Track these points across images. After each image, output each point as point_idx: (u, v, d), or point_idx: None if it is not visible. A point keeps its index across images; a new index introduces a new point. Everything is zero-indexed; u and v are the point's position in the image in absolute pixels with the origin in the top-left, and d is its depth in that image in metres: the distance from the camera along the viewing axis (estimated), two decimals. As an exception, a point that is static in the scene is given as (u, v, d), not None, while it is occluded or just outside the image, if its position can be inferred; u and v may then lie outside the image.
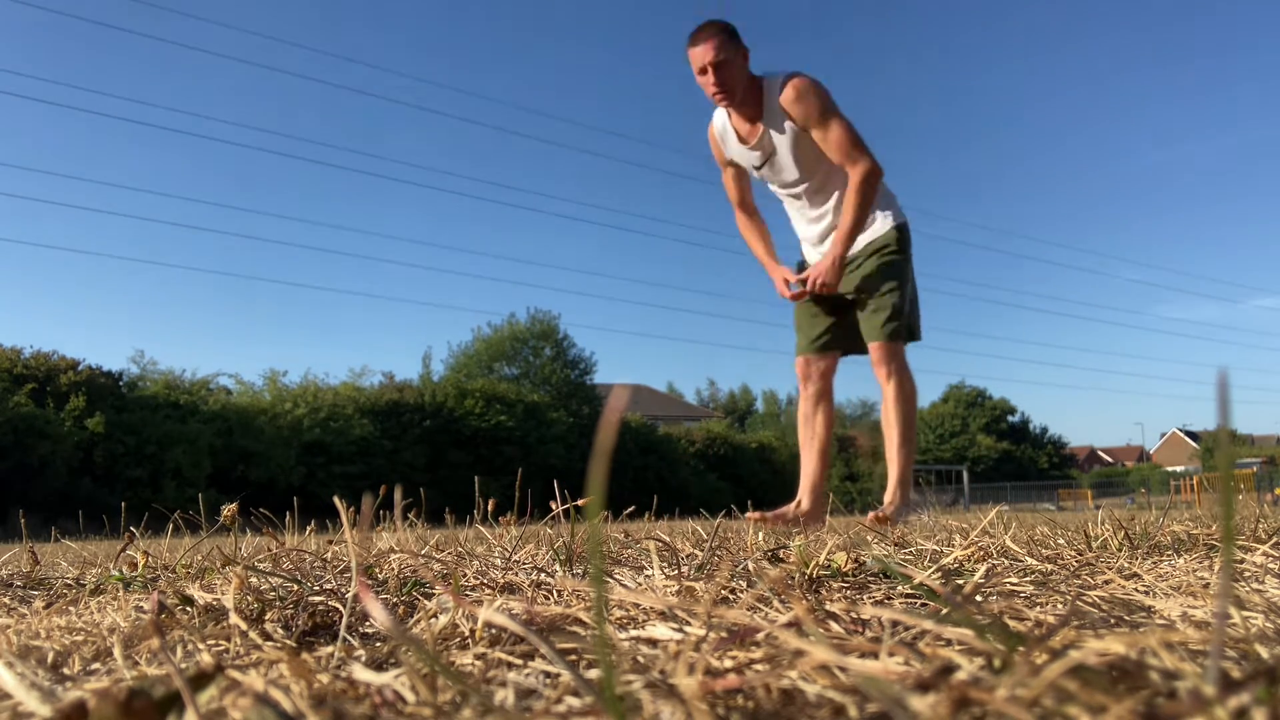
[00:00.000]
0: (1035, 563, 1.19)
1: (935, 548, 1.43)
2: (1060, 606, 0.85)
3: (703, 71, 3.38)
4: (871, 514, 3.29)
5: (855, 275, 3.57)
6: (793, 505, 3.52)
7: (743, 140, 3.56)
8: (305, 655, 0.68)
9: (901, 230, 3.58)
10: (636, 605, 0.84)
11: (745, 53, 3.40)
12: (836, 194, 3.55)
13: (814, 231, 3.65)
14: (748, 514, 3.29)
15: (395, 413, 28.39)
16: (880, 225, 3.57)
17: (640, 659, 0.62)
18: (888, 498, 3.49)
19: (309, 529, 2.30)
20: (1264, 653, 0.60)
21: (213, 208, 67.34)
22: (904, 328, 3.55)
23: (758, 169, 3.59)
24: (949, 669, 0.49)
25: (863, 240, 3.56)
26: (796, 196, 3.62)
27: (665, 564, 1.18)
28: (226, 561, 1.39)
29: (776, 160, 3.50)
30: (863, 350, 3.65)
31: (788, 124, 3.40)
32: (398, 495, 1.73)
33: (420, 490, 2.75)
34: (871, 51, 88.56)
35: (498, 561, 1.30)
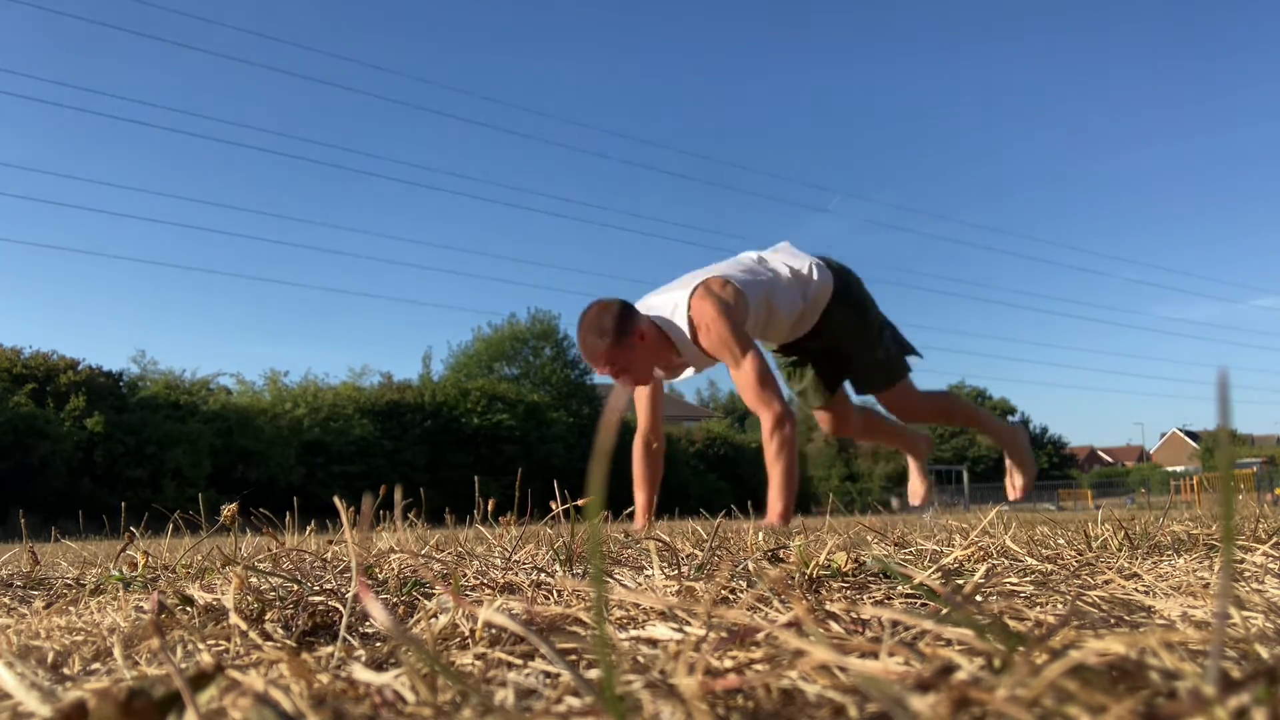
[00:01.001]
0: (1035, 563, 1.19)
1: (935, 548, 1.43)
2: (1060, 606, 0.85)
3: (602, 374, 3.25)
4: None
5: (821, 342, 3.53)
6: (765, 520, 3.54)
7: (663, 370, 3.42)
8: (305, 655, 0.68)
9: (839, 295, 3.41)
10: (636, 605, 0.84)
11: (641, 331, 3.15)
12: (790, 317, 3.38)
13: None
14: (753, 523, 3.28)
15: (395, 413, 28.39)
16: (812, 296, 3.37)
17: (640, 659, 0.62)
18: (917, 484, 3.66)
19: (309, 529, 2.30)
20: (1264, 653, 0.60)
21: (213, 208, 67.38)
22: (902, 369, 3.55)
23: (680, 377, 3.54)
24: (949, 669, 0.49)
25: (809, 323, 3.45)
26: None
27: (665, 564, 1.18)
28: (226, 561, 1.39)
29: (699, 366, 3.41)
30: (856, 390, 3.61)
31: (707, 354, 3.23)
32: (398, 495, 1.73)
33: (420, 490, 2.75)
34: (871, 51, 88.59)
35: (498, 561, 1.30)
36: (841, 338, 3.46)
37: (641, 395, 3.55)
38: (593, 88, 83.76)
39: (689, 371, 3.52)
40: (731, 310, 3.10)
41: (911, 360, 3.67)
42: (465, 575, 1.15)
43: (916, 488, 3.92)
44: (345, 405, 27.54)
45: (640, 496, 3.58)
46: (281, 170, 63.16)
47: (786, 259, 3.41)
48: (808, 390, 3.69)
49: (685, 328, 3.18)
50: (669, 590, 0.96)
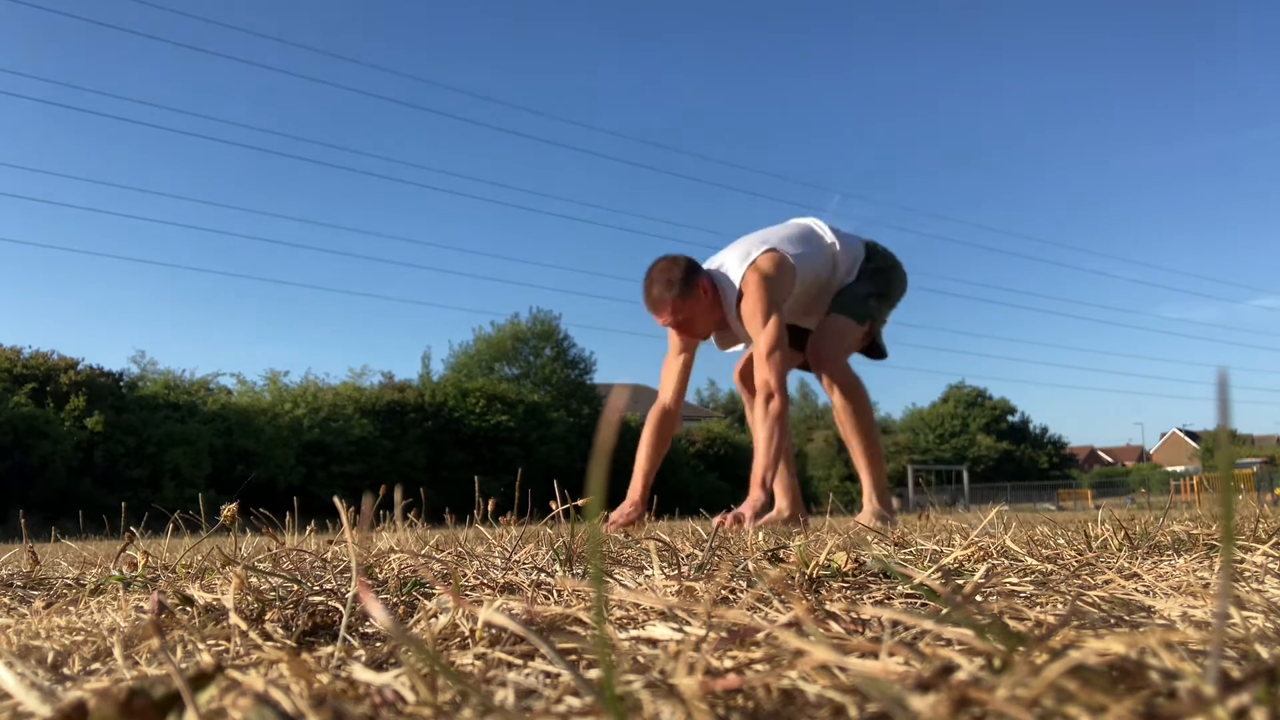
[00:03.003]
0: (1035, 563, 1.19)
1: (935, 548, 1.43)
2: (1060, 606, 0.85)
3: (665, 325, 3.38)
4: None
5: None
6: (774, 512, 3.50)
7: (715, 335, 3.54)
8: (305, 655, 0.68)
9: (873, 252, 3.56)
10: (636, 605, 0.84)
11: (704, 286, 3.31)
12: (833, 292, 3.50)
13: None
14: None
15: (395, 413, 28.39)
16: (859, 256, 3.54)
17: (640, 659, 0.62)
18: (865, 504, 3.48)
19: (309, 529, 2.30)
20: (1264, 653, 0.60)
21: (213, 208, 67.31)
22: (866, 312, 3.47)
23: (728, 347, 3.62)
24: (949, 669, 0.49)
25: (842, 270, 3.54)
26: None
27: (665, 564, 1.18)
28: (226, 561, 1.39)
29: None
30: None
31: None
32: (398, 495, 1.73)
33: (420, 490, 2.75)
34: (871, 51, 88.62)
35: (498, 561, 1.30)
36: (862, 276, 3.53)
37: (674, 364, 3.60)
38: (593, 88, 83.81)
39: (739, 347, 3.57)
40: (774, 284, 3.26)
41: (877, 360, 3.67)
42: (465, 575, 1.15)
43: (782, 508, 3.59)
44: (345, 405, 27.54)
45: (641, 464, 3.55)
46: (282, 170, 63.17)
47: (847, 240, 3.56)
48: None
49: (734, 295, 3.33)
50: (669, 590, 0.96)
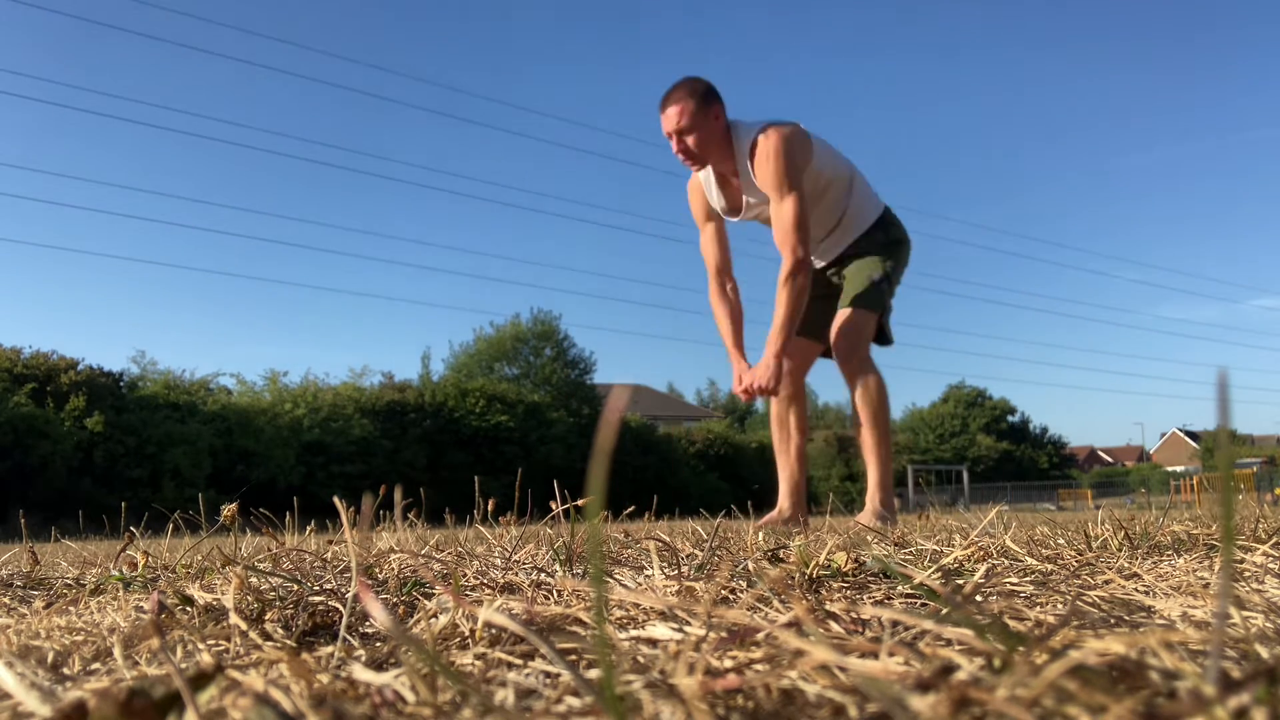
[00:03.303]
0: (1035, 563, 1.19)
1: (935, 548, 1.43)
2: (1060, 606, 0.85)
3: (669, 136, 3.33)
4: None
5: (843, 267, 3.51)
6: (775, 513, 3.49)
7: (723, 195, 3.51)
8: (305, 655, 0.68)
9: (882, 220, 3.52)
10: (636, 605, 0.84)
11: (718, 112, 3.31)
12: (839, 214, 3.47)
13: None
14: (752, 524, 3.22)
15: (395, 413, 28.38)
16: (869, 218, 3.51)
17: (640, 659, 0.62)
18: (868, 502, 3.45)
19: (309, 529, 2.30)
20: (1264, 653, 0.60)
21: (213, 208, 67.36)
22: (880, 301, 3.44)
23: (739, 212, 3.55)
24: (949, 669, 0.49)
25: (850, 238, 3.51)
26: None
27: (665, 564, 1.18)
28: (226, 561, 1.39)
29: (763, 213, 3.44)
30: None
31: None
32: (398, 495, 1.73)
33: (420, 490, 2.75)
34: (870, 50, 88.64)
35: (498, 561, 1.30)
36: (875, 249, 3.49)
37: (709, 233, 3.61)
38: (594, 88, 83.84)
39: (747, 208, 3.51)
40: (793, 150, 3.25)
41: (884, 347, 3.65)
42: (465, 575, 1.15)
43: (784, 508, 3.56)
44: (345, 405, 27.54)
45: (726, 328, 3.58)
46: (282, 170, 63.16)
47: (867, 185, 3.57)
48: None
49: (746, 147, 3.32)
50: (669, 590, 0.96)
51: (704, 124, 3.28)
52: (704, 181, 3.53)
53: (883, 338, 3.60)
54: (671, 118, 3.29)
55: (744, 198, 3.42)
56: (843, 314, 3.43)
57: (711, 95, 3.31)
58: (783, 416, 3.63)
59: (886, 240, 3.51)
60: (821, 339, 3.60)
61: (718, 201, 3.52)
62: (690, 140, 3.30)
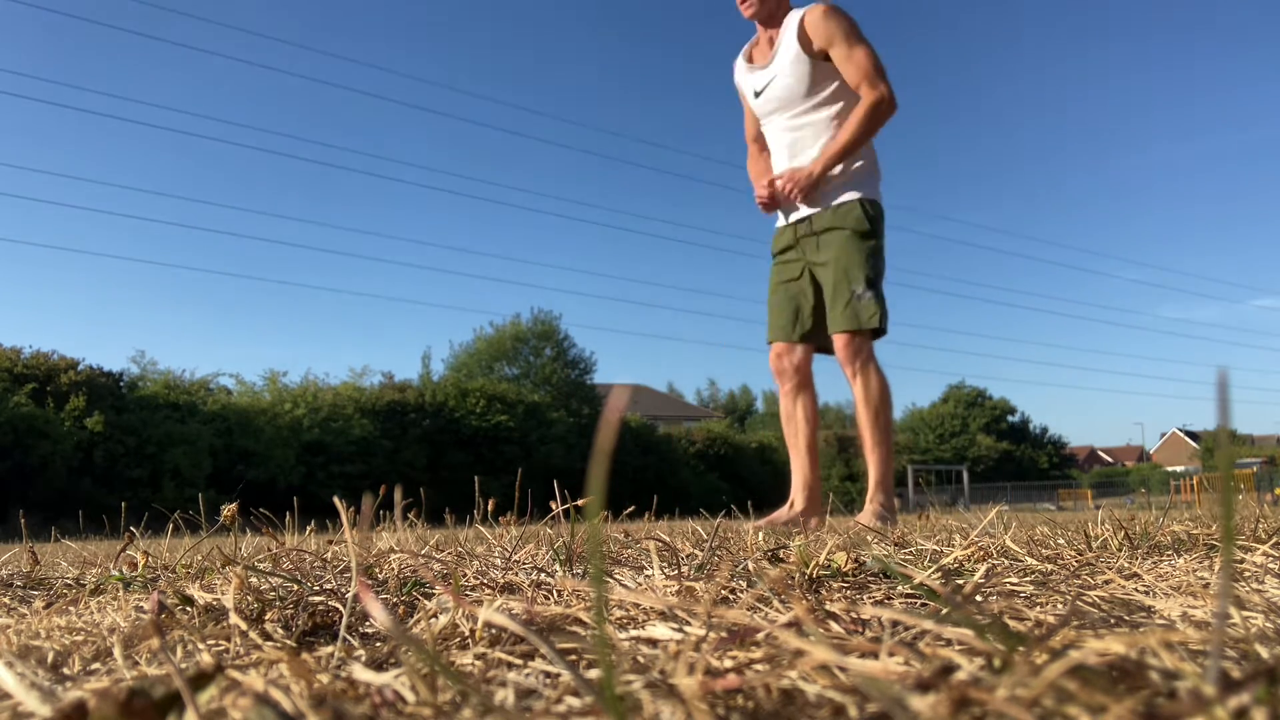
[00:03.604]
0: (1035, 563, 1.19)
1: (935, 548, 1.43)
2: (1060, 606, 0.85)
3: None
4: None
5: (820, 249, 3.48)
6: (786, 508, 3.48)
7: (753, 62, 3.62)
8: (305, 655, 0.68)
9: (874, 206, 3.47)
10: (636, 605, 0.84)
11: None
12: (826, 136, 3.49)
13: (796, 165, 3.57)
14: (751, 523, 3.20)
15: (395, 413, 28.38)
16: (849, 196, 3.46)
17: (640, 659, 0.62)
18: (868, 502, 3.43)
19: (309, 529, 2.30)
20: (1264, 653, 0.60)
21: (213, 208, 67.36)
22: (872, 316, 3.40)
23: (758, 94, 3.59)
24: (949, 669, 0.49)
25: (831, 200, 3.47)
26: (789, 130, 3.55)
27: (665, 564, 1.18)
28: (226, 561, 1.39)
29: (776, 84, 3.50)
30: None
31: (800, 50, 3.41)
32: (398, 495, 1.73)
33: (420, 490, 2.75)
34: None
35: (498, 561, 1.30)
36: (855, 248, 3.44)
37: (756, 154, 3.78)
38: (594, 88, 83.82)
39: (758, 80, 3.59)
40: (856, 23, 3.41)
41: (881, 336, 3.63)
42: (465, 575, 1.15)
43: (799, 506, 3.50)
44: (345, 405, 27.53)
45: (759, 168, 3.75)
46: (282, 170, 63.16)
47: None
48: (801, 307, 3.57)
49: (794, 28, 3.44)
50: (669, 590, 0.96)
51: None
52: (741, 59, 3.70)
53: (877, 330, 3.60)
54: None
55: (778, 59, 3.51)
56: (842, 332, 3.42)
57: None
58: (790, 411, 3.60)
59: (875, 248, 3.47)
60: (817, 336, 3.59)
61: (742, 78, 3.67)
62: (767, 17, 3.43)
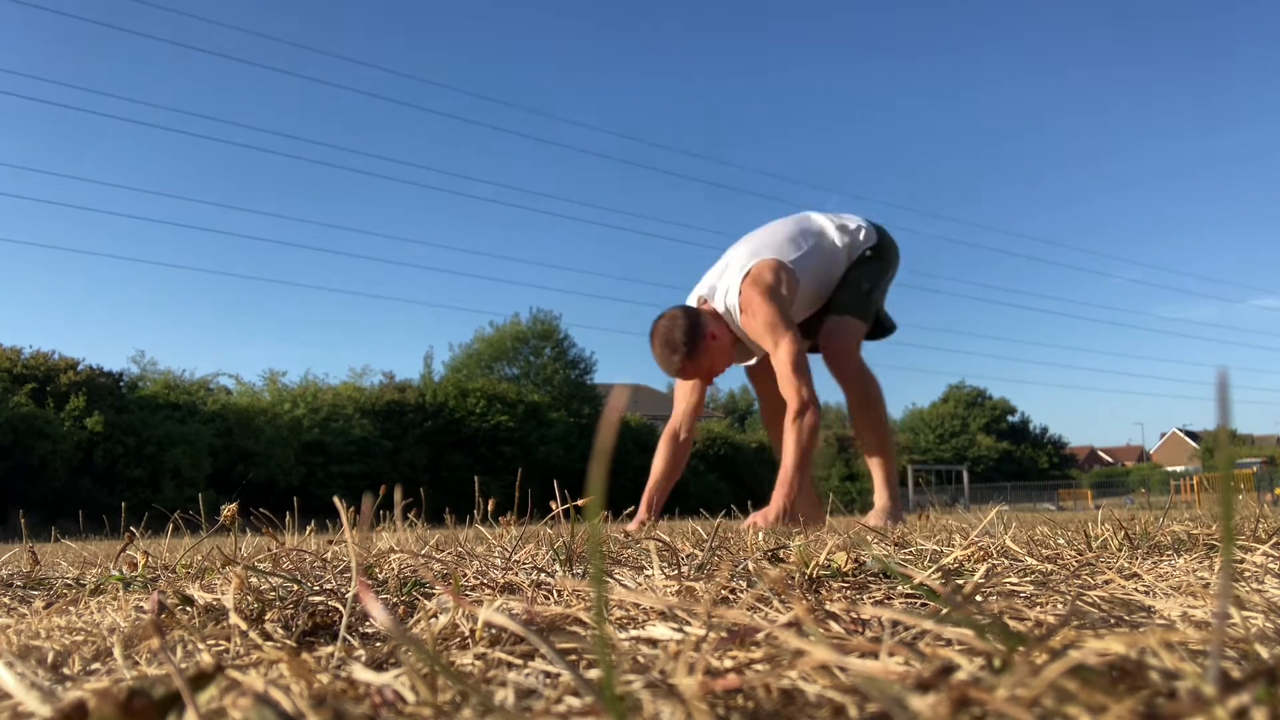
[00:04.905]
0: (1035, 563, 1.19)
1: (935, 548, 1.43)
2: (1060, 606, 0.85)
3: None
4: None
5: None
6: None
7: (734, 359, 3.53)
8: (305, 655, 0.68)
9: (880, 237, 3.51)
10: (636, 605, 0.84)
11: (709, 336, 3.27)
12: (829, 288, 3.47)
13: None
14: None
15: (395, 413, 28.39)
16: (860, 240, 3.48)
17: (640, 659, 0.62)
18: (876, 501, 3.43)
19: (309, 529, 2.30)
20: (1264, 653, 0.60)
21: (212, 208, 67.28)
22: (867, 307, 3.42)
23: (753, 358, 3.59)
24: (949, 669, 0.49)
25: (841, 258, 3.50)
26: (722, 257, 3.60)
27: (665, 564, 1.18)
28: (226, 561, 1.39)
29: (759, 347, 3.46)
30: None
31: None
32: (398, 495, 1.73)
33: (420, 490, 2.75)
34: (871, 50, 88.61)
35: (498, 561, 1.30)
36: (849, 277, 3.46)
37: (686, 385, 3.58)
38: (594, 88, 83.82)
39: (752, 361, 3.58)
40: (778, 296, 3.22)
41: (883, 338, 3.64)
42: (465, 575, 1.15)
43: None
44: (345, 405, 27.54)
45: (650, 485, 3.53)
46: (282, 170, 63.11)
47: (842, 222, 3.52)
48: None
49: (736, 312, 3.31)
50: (669, 590, 0.96)
51: (704, 360, 3.27)
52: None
53: (880, 331, 3.61)
54: (676, 374, 3.34)
55: (748, 345, 3.46)
56: (831, 320, 3.43)
57: (694, 332, 3.24)
58: (771, 420, 3.66)
59: (869, 259, 3.50)
60: (808, 337, 3.61)
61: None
62: (706, 376, 3.35)
